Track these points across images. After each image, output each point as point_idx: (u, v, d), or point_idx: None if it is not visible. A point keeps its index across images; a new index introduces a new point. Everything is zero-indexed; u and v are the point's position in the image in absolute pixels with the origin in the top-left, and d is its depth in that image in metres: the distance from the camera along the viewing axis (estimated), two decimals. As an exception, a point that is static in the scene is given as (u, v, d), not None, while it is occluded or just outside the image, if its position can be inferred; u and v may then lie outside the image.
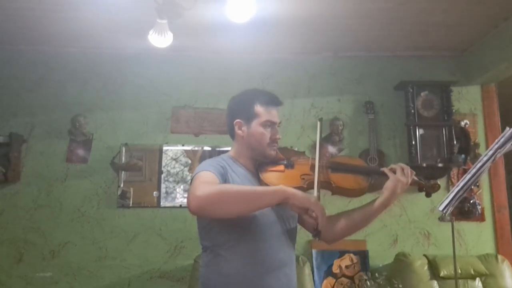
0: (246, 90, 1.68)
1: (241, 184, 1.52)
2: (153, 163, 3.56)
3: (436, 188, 1.64)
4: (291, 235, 1.59)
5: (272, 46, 3.61)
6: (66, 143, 3.52)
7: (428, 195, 1.65)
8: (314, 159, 1.57)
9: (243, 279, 1.45)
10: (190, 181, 1.49)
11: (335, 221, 1.62)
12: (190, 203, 1.33)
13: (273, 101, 1.61)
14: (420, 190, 1.64)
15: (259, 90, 1.66)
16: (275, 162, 1.60)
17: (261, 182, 1.55)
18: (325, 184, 1.59)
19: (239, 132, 1.60)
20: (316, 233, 1.40)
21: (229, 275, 1.46)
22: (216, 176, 1.44)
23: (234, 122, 1.60)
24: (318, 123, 1.63)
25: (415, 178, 1.58)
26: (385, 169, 1.57)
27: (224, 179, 1.48)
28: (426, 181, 1.64)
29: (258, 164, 1.60)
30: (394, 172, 1.55)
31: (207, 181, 1.40)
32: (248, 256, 1.47)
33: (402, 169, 1.54)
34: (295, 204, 1.35)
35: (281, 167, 1.60)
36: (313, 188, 1.50)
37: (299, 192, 1.38)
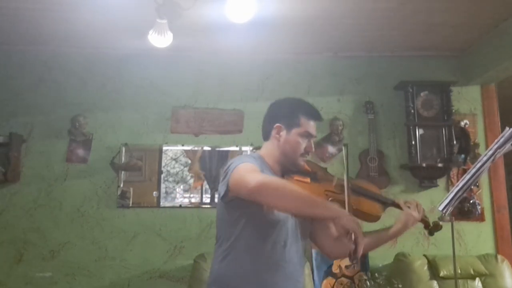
0: (291, 97, 1.72)
1: None
2: (153, 163, 3.56)
3: (438, 228, 1.77)
4: (303, 238, 1.65)
5: (272, 46, 3.61)
6: (66, 143, 3.52)
7: (430, 234, 1.80)
8: (339, 178, 1.64)
9: (256, 276, 1.49)
10: (223, 177, 1.50)
11: (344, 242, 1.66)
12: (252, 181, 1.34)
13: (315, 115, 1.67)
14: (425, 228, 1.78)
15: (304, 101, 1.70)
16: (302, 172, 1.64)
17: None
18: (344, 205, 1.63)
19: (277, 136, 1.62)
20: (353, 257, 1.37)
21: (243, 271, 1.50)
22: (258, 168, 1.47)
23: (275, 125, 1.62)
24: (344, 148, 1.74)
25: (424, 216, 1.73)
26: (401, 202, 1.71)
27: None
28: (431, 222, 1.79)
29: (285, 170, 1.64)
30: (408, 207, 1.70)
31: (257, 170, 1.43)
32: (263, 255, 1.50)
33: (416, 205, 1.71)
34: (345, 225, 1.34)
35: (308, 179, 1.63)
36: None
37: (347, 213, 1.42)
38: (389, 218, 1.78)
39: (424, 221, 1.73)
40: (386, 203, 1.75)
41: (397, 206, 1.71)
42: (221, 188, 1.51)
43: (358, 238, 1.34)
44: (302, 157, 1.61)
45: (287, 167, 1.63)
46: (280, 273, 1.51)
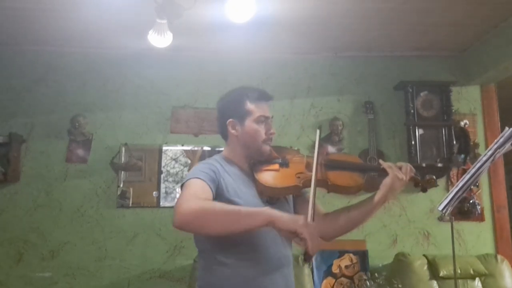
0: (234, 89, 1.66)
1: (235, 184, 1.50)
2: (153, 163, 3.56)
3: (432, 183, 1.61)
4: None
5: (272, 46, 3.61)
6: (66, 143, 3.52)
7: (424, 190, 1.63)
8: (310, 156, 1.56)
9: (241, 281, 1.44)
10: (180, 186, 1.46)
11: (333, 218, 1.61)
12: (174, 218, 1.30)
13: (263, 96, 1.60)
14: (416, 185, 1.62)
15: (247, 87, 1.64)
16: (269, 161, 1.58)
17: (256, 182, 1.53)
18: (321, 182, 1.55)
19: (233, 131, 1.57)
20: (306, 257, 1.30)
21: (227, 278, 1.44)
22: (206, 184, 1.41)
23: (227, 122, 1.58)
24: (318, 131, 1.61)
25: (412, 174, 1.56)
26: (384, 164, 1.55)
27: (216, 184, 1.45)
28: (422, 177, 1.61)
29: (253, 164, 1.58)
30: (391, 167, 1.53)
31: (194, 192, 1.37)
32: (246, 258, 1.45)
33: (401, 167, 1.54)
34: (281, 228, 1.27)
35: (276, 166, 1.57)
36: (308, 186, 1.47)
37: (284, 215, 1.31)
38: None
39: (413, 178, 1.56)
40: (366, 170, 1.64)
41: (380, 170, 1.56)
42: None
43: (305, 236, 1.24)
44: (265, 143, 1.56)
45: (254, 159, 1.58)
46: (265, 274, 1.45)
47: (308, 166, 1.54)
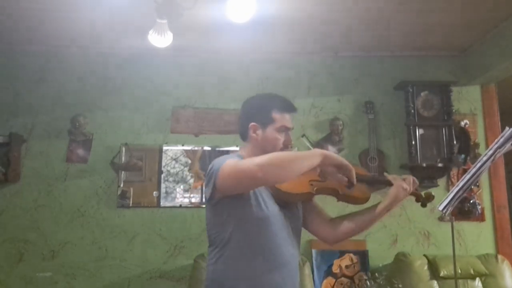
0: (262, 94, 1.73)
1: None
2: (153, 163, 3.56)
3: (431, 199, 1.70)
4: (296, 234, 1.64)
5: (272, 46, 3.61)
6: (66, 143, 3.52)
7: (423, 205, 1.72)
8: None
9: (251, 275, 1.49)
10: (208, 179, 1.50)
11: (338, 224, 1.69)
12: (255, 172, 1.35)
13: (289, 107, 1.66)
14: (417, 200, 1.71)
15: (275, 95, 1.69)
16: None
17: (271, 187, 1.57)
18: (332, 191, 1.62)
19: (254, 135, 1.62)
20: (350, 184, 1.51)
21: (237, 271, 1.50)
22: None
23: (250, 125, 1.62)
24: (304, 139, 1.70)
25: (416, 186, 1.66)
26: (389, 176, 1.65)
27: None
28: (422, 193, 1.71)
29: None
30: (396, 179, 1.64)
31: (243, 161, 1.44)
32: (256, 253, 1.50)
33: (405, 178, 1.63)
34: (332, 162, 1.45)
35: None
36: (321, 193, 1.60)
37: (331, 153, 1.48)
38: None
39: (415, 193, 1.67)
40: (374, 183, 1.74)
41: (386, 182, 1.67)
42: (207, 191, 1.52)
43: (346, 166, 1.46)
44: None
45: None
46: (274, 270, 1.51)
47: (322, 175, 1.61)
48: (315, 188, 1.59)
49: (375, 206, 1.64)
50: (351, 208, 1.72)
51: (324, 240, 1.74)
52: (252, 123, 1.62)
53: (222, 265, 1.52)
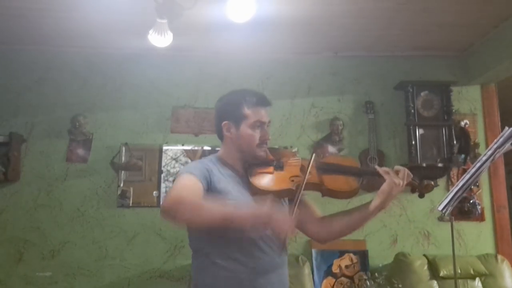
0: (234, 90, 1.65)
1: (228, 186, 1.50)
2: (153, 163, 3.56)
3: (429, 188, 1.60)
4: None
5: (272, 46, 3.61)
6: (66, 143, 3.52)
7: (421, 195, 1.62)
8: (305, 159, 1.56)
9: (235, 282, 1.44)
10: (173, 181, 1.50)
11: (329, 222, 1.62)
12: (164, 201, 1.36)
13: (261, 101, 1.58)
14: (413, 191, 1.61)
15: (246, 91, 1.63)
16: (264, 163, 1.57)
17: (249, 184, 1.54)
18: (316, 186, 1.55)
19: (228, 134, 1.58)
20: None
21: (221, 279, 1.45)
22: (199, 181, 1.43)
23: (222, 124, 1.58)
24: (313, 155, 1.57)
25: (410, 179, 1.54)
26: (380, 170, 1.53)
27: (208, 182, 1.47)
28: (420, 182, 1.60)
29: (247, 166, 1.58)
30: (388, 173, 1.51)
31: (188, 185, 1.40)
32: (240, 259, 1.45)
33: (398, 172, 1.51)
34: (272, 230, 1.35)
35: (271, 169, 1.56)
36: (303, 190, 1.49)
37: (280, 219, 1.31)
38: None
39: (411, 183, 1.54)
40: (362, 175, 1.63)
41: (374, 174, 1.54)
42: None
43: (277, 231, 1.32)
44: (259, 148, 1.56)
45: (249, 161, 1.58)
46: (258, 273, 1.46)
47: (303, 170, 1.54)
48: (295, 184, 1.51)
49: (368, 203, 1.53)
50: (353, 205, 1.64)
51: (315, 239, 1.68)
52: (225, 122, 1.57)
53: (203, 273, 1.49)
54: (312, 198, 1.68)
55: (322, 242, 1.65)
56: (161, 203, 1.37)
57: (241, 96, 1.59)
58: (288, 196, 1.58)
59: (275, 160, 1.59)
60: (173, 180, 1.52)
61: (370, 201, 1.54)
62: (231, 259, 1.45)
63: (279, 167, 1.57)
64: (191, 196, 1.36)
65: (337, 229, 1.60)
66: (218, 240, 1.45)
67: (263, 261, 1.47)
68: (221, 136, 1.63)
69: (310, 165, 1.49)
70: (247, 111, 1.55)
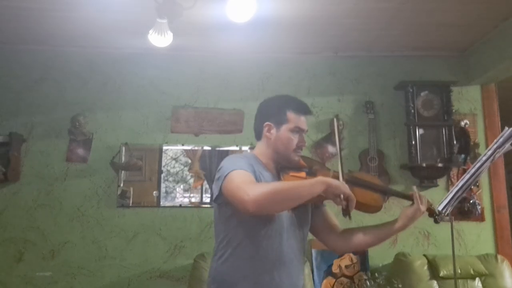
0: (279, 95, 1.74)
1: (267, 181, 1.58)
2: (153, 163, 3.56)
3: (443, 217, 1.72)
4: (302, 236, 1.66)
5: (272, 46, 3.61)
6: (66, 143, 3.52)
7: (436, 221, 1.73)
8: (336, 171, 1.62)
9: (250, 274, 1.51)
10: (217, 178, 1.53)
11: (351, 234, 1.70)
12: (248, 204, 1.37)
13: (304, 109, 1.67)
14: (430, 215, 1.71)
15: (292, 97, 1.71)
16: (297, 168, 1.64)
17: None
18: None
19: (268, 134, 1.64)
20: (346, 213, 1.50)
21: (238, 269, 1.52)
22: (252, 175, 1.49)
23: (264, 124, 1.65)
24: (335, 120, 1.71)
25: (430, 205, 1.68)
26: (415, 194, 1.64)
27: (256, 177, 1.52)
28: (439, 212, 1.73)
29: (281, 167, 1.65)
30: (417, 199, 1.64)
31: (250, 180, 1.46)
32: (258, 252, 1.52)
33: (420, 196, 1.64)
34: (335, 192, 1.45)
35: (303, 174, 1.62)
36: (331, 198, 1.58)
37: (335, 181, 1.48)
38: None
39: (430, 209, 1.68)
40: (388, 194, 1.73)
41: (401, 196, 1.68)
42: (215, 190, 1.54)
43: (348, 197, 1.46)
44: (295, 153, 1.63)
45: (282, 164, 1.65)
46: (277, 267, 1.53)
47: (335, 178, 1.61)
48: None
49: (392, 223, 1.65)
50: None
51: (332, 249, 1.77)
52: (267, 122, 1.65)
53: (225, 262, 1.55)
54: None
55: (339, 253, 1.85)
56: (244, 201, 1.43)
57: (286, 101, 1.68)
58: (317, 202, 1.66)
59: (307, 167, 1.66)
60: (218, 177, 1.55)
61: (393, 221, 1.65)
62: (254, 251, 1.52)
63: (312, 173, 1.63)
64: (269, 186, 1.44)
65: (360, 243, 1.70)
66: (246, 232, 1.52)
67: (282, 254, 1.54)
68: (259, 136, 1.69)
69: (342, 176, 1.58)
70: (290, 115, 1.63)
